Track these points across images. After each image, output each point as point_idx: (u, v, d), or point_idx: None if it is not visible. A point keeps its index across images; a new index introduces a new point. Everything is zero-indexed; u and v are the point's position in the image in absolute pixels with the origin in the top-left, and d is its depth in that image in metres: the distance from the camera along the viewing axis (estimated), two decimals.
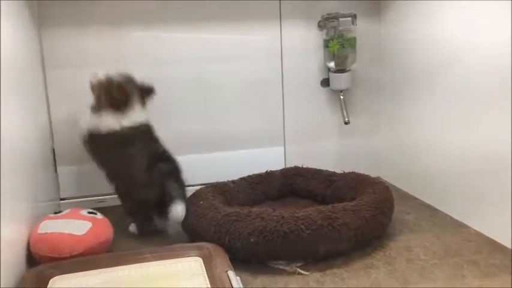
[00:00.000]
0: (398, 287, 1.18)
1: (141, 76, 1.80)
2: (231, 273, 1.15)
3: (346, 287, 1.20)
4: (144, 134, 1.53)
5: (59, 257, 1.25)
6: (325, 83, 1.97)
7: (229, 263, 1.21)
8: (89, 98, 1.53)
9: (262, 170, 1.81)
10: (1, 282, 1.09)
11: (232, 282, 1.12)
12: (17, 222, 1.29)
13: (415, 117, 1.77)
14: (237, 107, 1.92)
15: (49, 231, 1.29)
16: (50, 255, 1.25)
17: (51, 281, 1.17)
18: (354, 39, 1.89)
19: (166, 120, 1.85)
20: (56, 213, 1.39)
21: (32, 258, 1.29)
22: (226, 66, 1.89)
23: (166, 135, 1.84)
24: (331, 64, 1.90)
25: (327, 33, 1.90)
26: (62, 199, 1.76)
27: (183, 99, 1.86)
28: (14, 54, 1.41)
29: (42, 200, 1.57)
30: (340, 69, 1.89)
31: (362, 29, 1.92)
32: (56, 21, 1.71)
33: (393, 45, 1.89)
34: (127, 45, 1.79)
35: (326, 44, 1.89)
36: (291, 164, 1.90)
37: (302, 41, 1.93)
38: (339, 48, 1.86)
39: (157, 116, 1.83)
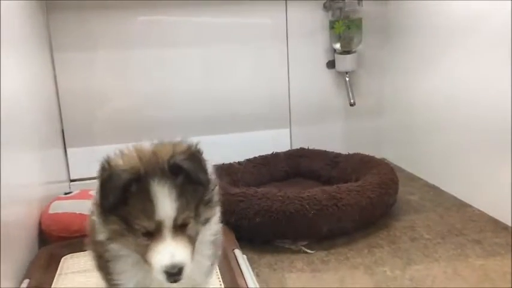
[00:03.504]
0: (402, 265, 1.21)
1: (147, 60, 1.82)
2: (238, 252, 1.18)
3: (350, 265, 1.22)
4: None
5: (70, 236, 1.28)
6: (331, 64, 1.96)
7: (236, 241, 1.24)
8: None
9: (268, 152, 1.83)
10: (14, 261, 1.12)
11: (238, 261, 1.14)
12: (29, 202, 1.33)
13: (420, 98, 1.77)
14: (243, 89, 1.92)
15: (60, 211, 1.32)
16: (61, 234, 1.29)
17: (62, 259, 1.21)
18: (360, 20, 1.88)
19: (173, 102, 1.86)
20: (66, 193, 1.42)
21: (43, 237, 1.33)
22: (232, 48, 1.89)
23: (172, 118, 1.86)
24: (337, 45, 1.90)
25: (333, 15, 1.89)
26: (72, 180, 1.79)
27: (189, 82, 1.87)
28: (21, 35, 1.42)
29: (53, 181, 1.60)
30: (346, 51, 1.89)
31: (368, 10, 1.91)
32: (62, 5, 1.71)
33: (399, 26, 1.88)
34: (133, 28, 1.79)
35: (332, 26, 1.89)
36: (296, 145, 1.92)
37: (308, 23, 1.93)
38: (345, 30, 1.86)
39: (163, 98, 1.86)
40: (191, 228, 0.74)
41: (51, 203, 1.37)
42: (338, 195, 1.33)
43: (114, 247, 0.76)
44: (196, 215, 0.74)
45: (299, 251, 1.30)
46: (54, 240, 1.30)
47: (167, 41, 1.83)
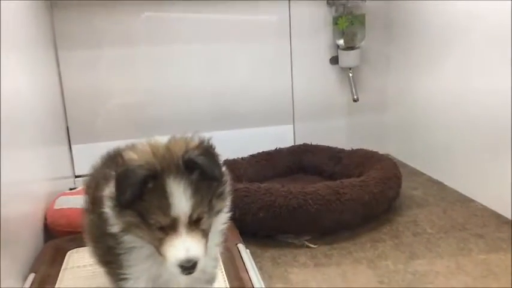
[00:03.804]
0: (405, 259, 1.21)
1: (151, 57, 1.83)
2: (241, 246, 1.19)
3: (353, 259, 1.23)
4: None
5: (75, 231, 1.29)
6: (334, 60, 1.97)
7: (239, 236, 1.25)
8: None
9: (272, 148, 1.84)
10: (20, 255, 1.14)
11: (242, 255, 1.15)
12: (34, 198, 1.34)
13: (423, 94, 1.77)
14: (246, 86, 1.93)
15: (65, 206, 1.33)
16: (66, 229, 1.30)
17: (68, 253, 1.22)
18: (363, 16, 1.88)
19: (176, 99, 1.87)
20: (71, 189, 1.43)
21: (49, 232, 1.34)
22: (236, 45, 1.90)
23: (176, 114, 1.87)
24: (340, 41, 1.90)
25: (336, 10, 1.89)
26: (77, 176, 1.80)
27: (193, 78, 1.88)
28: (26, 34, 1.44)
29: (58, 177, 1.62)
30: (349, 47, 1.89)
31: (371, 6, 1.91)
32: (66, 4, 1.72)
33: (403, 22, 1.88)
34: (136, 26, 1.80)
35: (335, 21, 1.89)
36: (300, 141, 1.92)
37: (311, 19, 1.93)
38: (348, 25, 1.86)
39: (167, 95, 1.87)
40: (205, 222, 0.74)
41: (56, 198, 1.39)
42: (341, 190, 1.34)
43: (128, 239, 0.76)
44: (210, 209, 0.75)
45: (302, 246, 1.31)
46: (59, 235, 1.31)
47: (171, 38, 1.84)
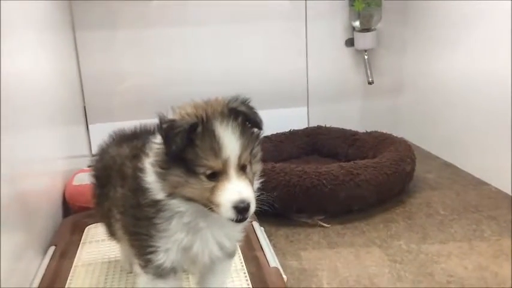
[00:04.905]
0: (417, 239, 1.22)
1: (167, 38, 1.84)
2: (255, 224, 1.21)
3: (366, 239, 1.24)
4: None
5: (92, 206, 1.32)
6: (350, 42, 1.96)
7: (254, 214, 1.26)
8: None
9: (286, 129, 1.84)
10: (40, 229, 1.17)
11: (256, 232, 1.17)
12: (53, 175, 1.37)
13: (438, 77, 1.76)
14: (261, 67, 1.93)
15: (83, 183, 1.36)
16: (84, 205, 1.32)
17: (86, 228, 1.26)
18: None
19: (191, 80, 1.88)
20: (89, 166, 1.46)
21: (67, 208, 1.38)
22: (251, 27, 1.89)
23: (191, 95, 1.87)
24: (356, 23, 1.89)
25: None
26: (94, 155, 1.82)
27: (208, 60, 1.88)
28: (45, 16, 1.45)
29: (75, 155, 1.65)
30: (365, 29, 1.88)
31: None
32: None
33: (420, 4, 1.86)
34: (152, 7, 1.81)
35: (351, 3, 1.87)
36: (314, 123, 1.93)
37: (327, 0, 1.92)
38: (364, 7, 1.84)
39: (182, 76, 1.88)
40: (249, 172, 0.76)
41: (74, 175, 1.41)
42: (355, 171, 1.34)
43: (173, 204, 0.76)
44: (251, 161, 0.77)
45: (315, 225, 1.33)
46: (77, 211, 1.34)
47: (186, 20, 1.84)
